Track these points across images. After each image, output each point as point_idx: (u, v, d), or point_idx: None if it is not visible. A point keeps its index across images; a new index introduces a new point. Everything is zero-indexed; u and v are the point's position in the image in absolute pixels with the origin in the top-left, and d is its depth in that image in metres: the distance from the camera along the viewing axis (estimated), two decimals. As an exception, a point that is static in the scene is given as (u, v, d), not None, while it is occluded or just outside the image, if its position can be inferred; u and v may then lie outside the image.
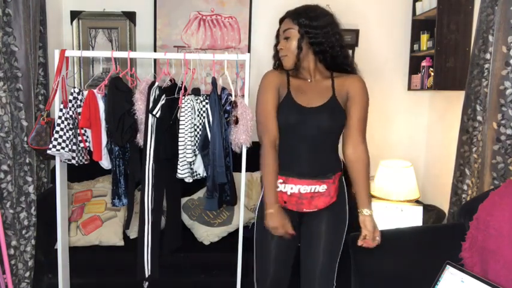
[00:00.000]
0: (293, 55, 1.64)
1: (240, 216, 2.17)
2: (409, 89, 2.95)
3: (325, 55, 1.66)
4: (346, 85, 1.67)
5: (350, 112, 1.66)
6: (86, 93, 2.05)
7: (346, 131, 1.69)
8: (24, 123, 2.16)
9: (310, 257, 1.68)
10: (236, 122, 2.03)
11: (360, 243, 1.64)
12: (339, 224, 1.71)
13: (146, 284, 2.16)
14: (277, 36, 1.73)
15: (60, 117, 1.99)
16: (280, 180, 1.63)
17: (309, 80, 1.69)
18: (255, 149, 2.04)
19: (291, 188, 1.62)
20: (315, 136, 1.63)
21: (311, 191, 1.61)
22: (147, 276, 2.15)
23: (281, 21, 1.69)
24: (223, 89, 2.11)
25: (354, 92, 1.66)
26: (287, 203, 1.65)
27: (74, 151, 2.01)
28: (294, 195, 1.62)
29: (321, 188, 1.61)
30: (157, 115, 2.03)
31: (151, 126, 2.05)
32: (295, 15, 1.64)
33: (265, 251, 1.72)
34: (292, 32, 1.63)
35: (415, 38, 2.86)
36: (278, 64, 1.76)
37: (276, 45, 1.76)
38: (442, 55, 2.50)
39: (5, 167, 2.07)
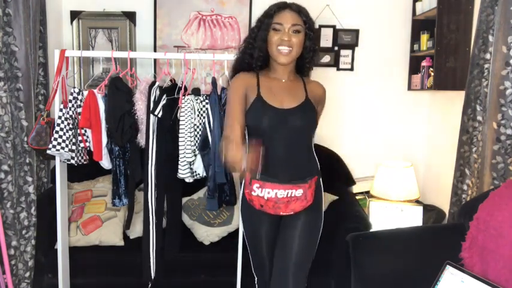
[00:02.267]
0: (299, 50, 1.62)
1: (240, 216, 2.17)
2: (409, 89, 2.95)
3: (308, 58, 1.68)
4: (316, 90, 1.72)
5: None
6: (86, 93, 2.05)
7: None
8: (24, 123, 2.16)
9: (283, 257, 1.66)
10: (236, 122, 2.03)
11: None
12: (313, 227, 1.70)
13: (150, 285, 2.16)
14: (264, 27, 1.61)
15: (60, 117, 2.00)
16: (257, 185, 1.59)
17: (283, 80, 1.68)
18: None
19: (267, 192, 1.57)
20: (291, 138, 1.61)
21: (288, 196, 1.57)
22: (153, 277, 2.14)
23: (274, 12, 1.61)
24: (223, 89, 2.11)
25: (321, 99, 1.75)
26: (264, 207, 1.62)
27: (73, 151, 2.01)
28: (270, 200, 1.58)
29: (297, 192, 1.58)
30: (159, 115, 2.03)
31: (153, 126, 2.05)
32: (299, 11, 1.61)
33: (257, 247, 1.77)
34: (301, 28, 1.60)
35: (415, 38, 2.85)
36: (249, 62, 1.68)
37: (251, 39, 1.66)
38: (442, 55, 2.50)
39: (5, 167, 2.07)
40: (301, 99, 1.65)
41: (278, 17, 1.60)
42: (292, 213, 1.63)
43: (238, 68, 1.73)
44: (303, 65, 1.71)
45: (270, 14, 1.61)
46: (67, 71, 2.11)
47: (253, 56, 1.66)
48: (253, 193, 1.61)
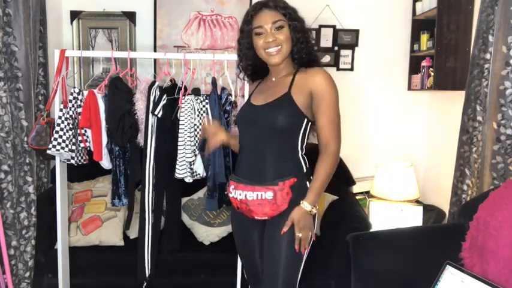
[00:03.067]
0: (288, 46, 1.53)
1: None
2: (409, 89, 2.95)
3: (301, 51, 1.56)
4: (306, 81, 1.51)
5: (317, 114, 1.51)
6: (86, 93, 2.05)
7: (317, 132, 1.55)
8: (24, 123, 2.16)
9: (271, 264, 1.55)
10: (236, 122, 2.03)
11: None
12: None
13: (144, 284, 2.16)
14: (245, 35, 1.58)
15: (60, 117, 1.99)
16: (232, 186, 1.58)
17: (273, 79, 1.62)
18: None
19: (239, 194, 1.55)
20: (264, 137, 1.52)
21: (257, 198, 1.50)
22: (147, 276, 2.15)
23: (252, 14, 1.56)
24: (223, 89, 2.11)
25: (315, 89, 1.49)
26: (240, 209, 1.59)
27: (73, 151, 2.01)
28: (243, 202, 1.54)
29: (267, 194, 1.49)
30: (159, 115, 2.03)
31: (152, 126, 2.05)
32: (277, 6, 1.53)
33: (249, 255, 1.70)
34: (283, 23, 1.52)
35: (415, 38, 2.86)
36: (249, 73, 1.68)
37: (239, 51, 1.64)
38: (442, 55, 2.50)
39: (5, 167, 2.07)
40: (279, 94, 1.53)
41: (257, 20, 1.54)
42: (266, 218, 1.54)
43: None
44: (298, 59, 1.58)
45: (248, 20, 1.57)
46: (67, 71, 2.11)
47: (243, 66, 1.65)
48: (230, 194, 1.60)
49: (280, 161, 1.53)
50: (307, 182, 1.56)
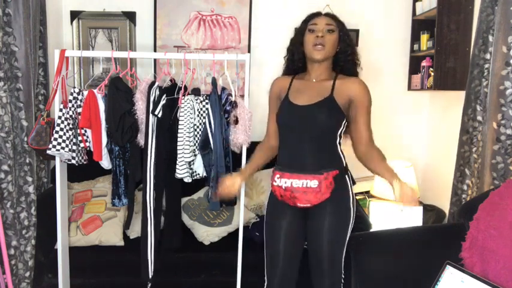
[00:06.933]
0: (332, 48, 1.72)
1: (240, 216, 2.17)
2: (409, 89, 2.95)
3: (347, 62, 1.77)
4: (346, 88, 1.72)
5: (356, 117, 1.72)
6: (86, 93, 2.05)
7: (355, 135, 1.74)
8: (24, 123, 2.16)
9: (315, 250, 1.73)
10: (236, 122, 2.03)
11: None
12: (342, 217, 1.72)
13: (149, 284, 2.16)
14: (300, 32, 1.78)
15: (60, 117, 2.00)
16: (278, 175, 1.71)
17: (314, 80, 1.77)
18: (254, 149, 2.05)
19: (285, 182, 1.68)
20: (310, 133, 1.69)
21: (303, 186, 1.65)
22: (150, 277, 2.14)
23: (310, 18, 1.76)
24: (223, 89, 2.11)
25: (356, 96, 1.71)
26: (283, 197, 1.71)
27: (73, 151, 2.01)
28: (288, 189, 1.68)
29: (312, 183, 1.64)
30: (159, 115, 2.03)
31: (152, 126, 2.05)
32: (332, 16, 1.76)
33: (274, 239, 1.78)
34: (334, 27, 1.73)
35: (415, 38, 2.86)
36: (291, 65, 1.84)
37: (290, 46, 1.82)
38: (442, 55, 2.50)
39: (5, 167, 2.07)
40: (324, 96, 1.70)
41: (313, 20, 1.74)
42: (309, 205, 1.67)
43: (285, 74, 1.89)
44: (341, 67, 1.79)
45: (305, 20, 1.77)
46: (67, 71, 2.11)
47: (294, 59, 1.81)
48: (274, 183, 1.73)
49: (325, 155, 1.71)
50: (346, 176, 1.74)
